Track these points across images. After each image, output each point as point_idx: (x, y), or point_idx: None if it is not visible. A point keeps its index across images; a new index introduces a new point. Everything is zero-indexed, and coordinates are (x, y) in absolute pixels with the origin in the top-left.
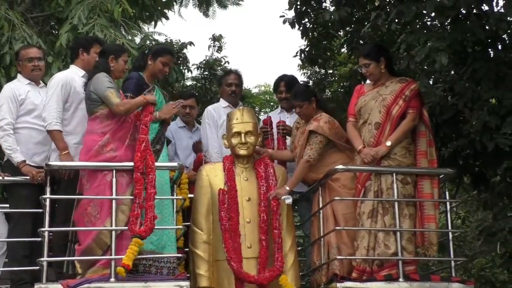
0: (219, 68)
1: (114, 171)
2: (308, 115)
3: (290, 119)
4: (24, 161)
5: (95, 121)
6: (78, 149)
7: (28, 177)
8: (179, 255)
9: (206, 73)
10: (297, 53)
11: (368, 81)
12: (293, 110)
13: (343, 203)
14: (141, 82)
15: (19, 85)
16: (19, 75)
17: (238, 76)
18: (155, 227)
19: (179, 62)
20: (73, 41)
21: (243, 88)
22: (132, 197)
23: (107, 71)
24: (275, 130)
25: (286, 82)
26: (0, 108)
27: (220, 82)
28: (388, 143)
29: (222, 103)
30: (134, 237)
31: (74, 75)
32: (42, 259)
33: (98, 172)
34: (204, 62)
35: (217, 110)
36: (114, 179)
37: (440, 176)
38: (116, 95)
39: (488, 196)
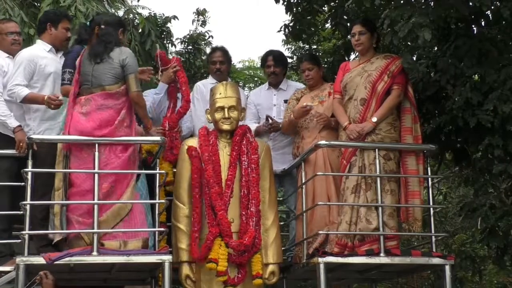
0: (203, 42)
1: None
2: (316, 80)
3: (278, 96)
4: (20, 126)
5: (113, 97)
6: (45, 125)
7: (8, 151)
8: (162, 229)
9: (190, 47)
10: (281, 28)
11: (352, 58)
12: (279, 86)
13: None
14: None
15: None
16: None
17: (223, 53)
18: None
19: (162, 36)
20: (43, 14)
21: None
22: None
23: (117, 44)
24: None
25: (274, 56)
26: None
27: (207, 59)
28: (374, 119)
29: (210, 79)
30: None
31: (39, 51)
32: (24, 232)
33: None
34: (188, 36)
35: (206, 86)
36: (97, 153)
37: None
38: (137, 81)
39: (470, 172)
